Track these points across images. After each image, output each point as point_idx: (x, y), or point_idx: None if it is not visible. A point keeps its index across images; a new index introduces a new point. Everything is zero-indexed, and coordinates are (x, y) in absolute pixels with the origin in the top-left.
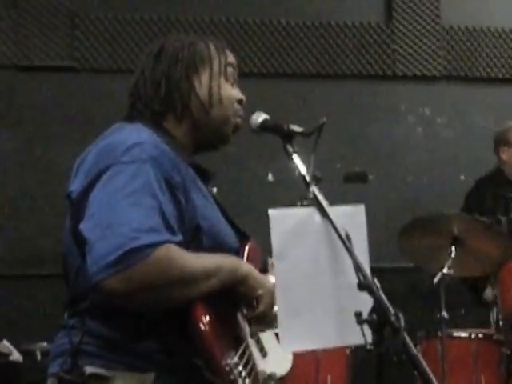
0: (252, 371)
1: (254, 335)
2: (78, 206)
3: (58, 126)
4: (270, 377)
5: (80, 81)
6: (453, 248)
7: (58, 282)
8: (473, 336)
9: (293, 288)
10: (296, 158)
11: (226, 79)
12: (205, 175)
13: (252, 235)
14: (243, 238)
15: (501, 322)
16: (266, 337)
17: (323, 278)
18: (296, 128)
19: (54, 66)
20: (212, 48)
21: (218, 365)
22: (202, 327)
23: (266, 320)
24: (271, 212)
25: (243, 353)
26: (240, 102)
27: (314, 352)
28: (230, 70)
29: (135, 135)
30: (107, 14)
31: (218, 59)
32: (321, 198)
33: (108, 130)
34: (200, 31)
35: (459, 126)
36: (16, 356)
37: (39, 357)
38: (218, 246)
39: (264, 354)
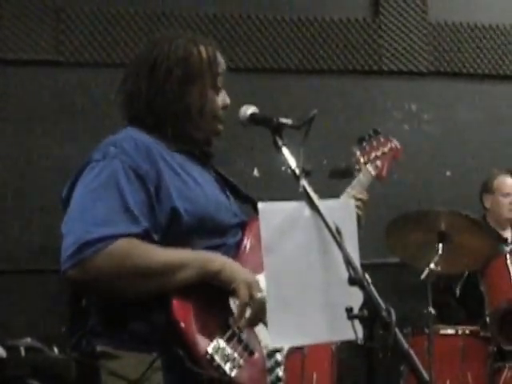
0: (247, 349)
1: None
2: (66, 206)
3: (44, 120)
4: (275, 348)
5: (65, 75)
6: (440, 244)
7: (43, 278)
8: (460, 332)
9: (282, 282)
10: (285, 151)
11: (216, 90)
12: (202, 160)
13: None
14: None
15: (487, 319)
16: None
17: (313, 273)
18: (285, 120)
19: (39, 59)
20: (204, 59)
21: (197, 355)
22: (178, 321)
23: (251, 309)
24: (260, 205)
25: (232, 335)
26: (225, 107)
27: (299, 349)
28: (219, 79)
29: (118, 136)
30: (93, 7)
31: (209, 72)
32: (311, 191)
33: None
34: (186, 26)
35: (445, 122)
36: (0, 351)
37: (23, 352)
38: (203, 224)
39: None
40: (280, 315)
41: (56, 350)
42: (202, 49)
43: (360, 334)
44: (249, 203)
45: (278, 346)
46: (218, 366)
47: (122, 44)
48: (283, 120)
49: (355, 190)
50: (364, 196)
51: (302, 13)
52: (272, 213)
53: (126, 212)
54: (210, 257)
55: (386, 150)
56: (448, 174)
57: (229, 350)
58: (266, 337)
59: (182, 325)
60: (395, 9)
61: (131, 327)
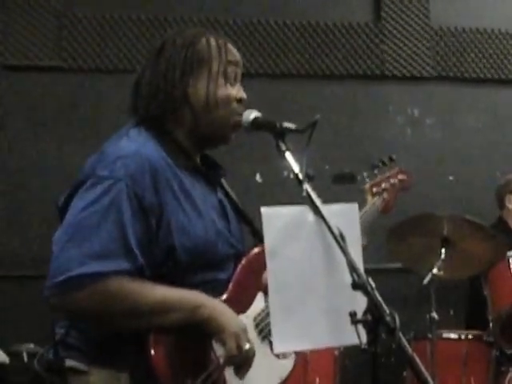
0: None
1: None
2: (62, 215)
3: (45, 126)
4: None
5: (67, 80)
6: (443, 249)
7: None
8: (463, 337)
9: (286, 287)
10: (289, 156)
11: (226, 79)
12: (209, 177)
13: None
14: (258, 238)
15: (491, 324)
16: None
17: (317, 278)
18: (289, 125)
19: (41, 65)
20: (213, 46)
21: None
22: (151, 358)
23: (237, 360)
24: (264, 210)
25: (206, 378)
26: (240, 100)
27: (301, 353)
28: (230, 68)
29: (126, 146)
30: (95, 13)
31: (217, 59)
32: (314, 196)
33: (113, 136)
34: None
35: (448, 127)
36: (2, 357)
37: (26, 358)
38: (199, 259)
39: (241, 376)
40: (283, 320)
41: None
42: (212, 38)
43: (364, 339)
44: (249, 227)
45: (282, 351)
46: None
47: (125, 50)
48: (286, 124)
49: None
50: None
51: (304, 18)
52: (275, 217)
53: (124, 246)
54: (200, 301)
55: (395, 181)
56: (451, 178)
57: None
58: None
59: (155, 362)
60: (397, 14)
61: (106, 343)
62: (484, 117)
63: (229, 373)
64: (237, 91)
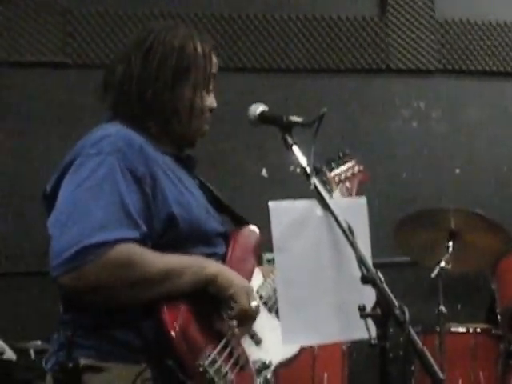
0: (238, 364)
1: (243, 329)
2: (50, 202)
3: (50, 122)
4: (265, 365)
5: (72, 76)
6: (450, 242)
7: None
8: (471, 331)
9: (294, 282)
10: (296, 149)
11: (207, 90)
12: (187, 164)
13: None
14: (240, 223)
15: (499, 317)
16: (262, 324)
17: (325, 272)
18: (295, 118)
19: (46, 61)
20: (200, 54)
21: (189, 367)
22: (170, 331)
23: (247, 316)
24: (271, 204)
25: (224, 347)
26: (211, 110)
27: (309, 349)
28: (211, 79)
29: (108, 128)
30: (99, 9)
31: (202, 69)
32: (322, 189)
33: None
34: (194, 27)
35: (454, 120)
36: (9, 354)
37: (33, 355)
38: (196, 232)
39: (258, 342)
40: (291, 314)
41: None
42: (198, 44)
43: (373, 333)
44: (228, 215)
45: (289, 344)
46: (212, 379)
47: None
48: (293, 118)
49: None
50: None
51: (309, 11)
52: (283, 212)
53: (126, 215)
54: (205, 262)
55: (354, 171)
56: (457, 171)
57: (220, 363)
58: (254, 352)
59: (173, 334)
60: (403, 7)
61: (117, 336)
62: (490, 110)
63: (245, 341)
64: (211, 101)
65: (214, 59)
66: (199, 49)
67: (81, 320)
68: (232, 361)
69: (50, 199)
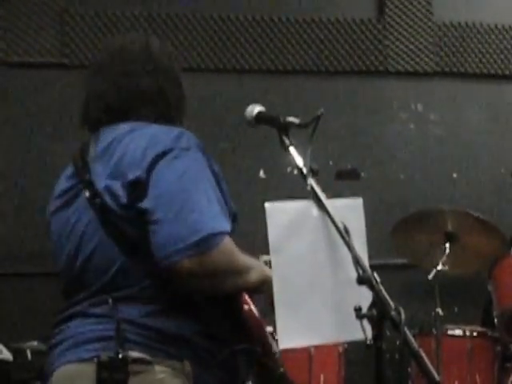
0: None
1: None
2: (137, 187)
3: (49, 123)
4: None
5: (70, 77)
6: (447, 244)
7: (50, 281)
8: (467, 333)
9: (290, 282)
10: (292, 150)
11: None
12: None
13: (245, 232)
14: None
15: (496, 319)
16: None
17: (321, 272)
18: (292, 119)
19: (43, 62)
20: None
21: (269, 348)
22: (257, 316)
23: None
24: (267, 205)
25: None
26: None
27: (306, 350)
28: None
29: (171, 128)
30: (97, 9)
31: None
32: (318, 190)
33: (128, 127)
34: (192, 28)
35: (452, 122)
36: (6, 354)
37: (29, 355)
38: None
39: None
40: (288, 315)
41: None
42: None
43: (369, 334)
44: None
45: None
46: (280, 359)
47: None
48: (290, 119)
49: None
50: None
51: (307, 13)
52: (279, 212)
53: (223, 209)
54: (261, 264)
55: None
56: (454, 174)
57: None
58: None
59: (259, 317)
60: (401, 9)
61: (177, 330)
62: (488, 112)
63: None
64: None
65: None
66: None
67: (126, 314)
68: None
69: (137, 186)
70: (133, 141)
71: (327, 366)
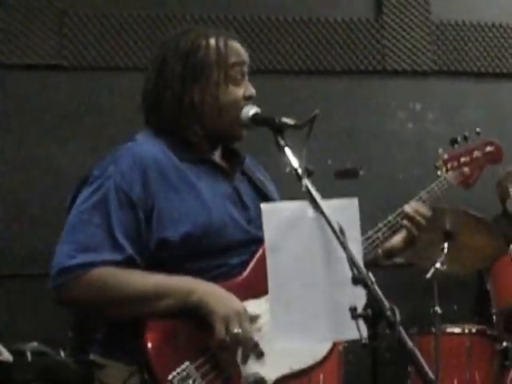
0: (219, 378)
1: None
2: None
3: (47, 124)
4: (260, 379)
5: (69, 79)
6: (445, 243)
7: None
8: (466, 331)
9: (286, 282)
10: (288, 151)
11: (230, 81)
12: (222, 168)
13: None
14: None
15: (494, 317)
16: (268, 336)
17: (317, 272)
18: (288, 120)
19: (42, 64)
20: (213, 51)
21: (159, 381)
22: (145, 347)
23: (224, 345)
24: (263, 206)
25: (205, 362)
26: (249, 97)
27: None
28: (234, 70)
29: (123, 146)
30: (96, 11)
31: (218, 64)
32: (313, 191)
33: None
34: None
35: (450, 121)
36: (6, 356)
37: (30, 357)
38: (201, 246)
39: (259, 355)
40: (283, 315)
41: (62, 354)
42: (212, 41)
43: (364, 334)
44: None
45: (281, 346)
46: None
47: (126, 48)
48: (285, 120)
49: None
50: (423, 211)
51: (304, 13)
52: (275, 213)
53: (111, 239)
54: (191, 287)
55: (480, 154)
56: None
57: (195, 378)
58: (251, 366)
59: (149, 346)
60: (398, 8)
61: (120, 338)
62: (486, 111)
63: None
64: (244, 89)
65: (236, 48)
66: (212, 45)
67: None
68: (213, 374)
69: (69, 211)
70: None
71: (327, 365)
